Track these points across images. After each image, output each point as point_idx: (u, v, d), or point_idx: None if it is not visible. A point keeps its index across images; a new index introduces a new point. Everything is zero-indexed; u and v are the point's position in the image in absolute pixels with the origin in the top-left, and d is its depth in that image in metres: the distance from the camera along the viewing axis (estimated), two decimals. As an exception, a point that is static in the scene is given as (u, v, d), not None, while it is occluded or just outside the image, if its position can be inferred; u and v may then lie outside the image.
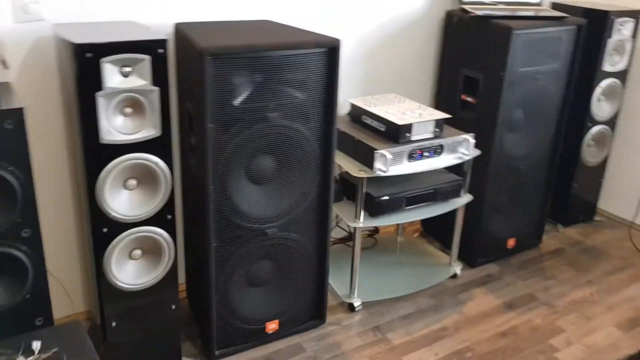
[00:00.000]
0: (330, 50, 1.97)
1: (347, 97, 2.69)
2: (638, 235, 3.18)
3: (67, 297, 2.28)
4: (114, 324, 1.97)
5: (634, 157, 3.19)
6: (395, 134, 2.28)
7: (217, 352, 2.16)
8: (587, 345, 2.31)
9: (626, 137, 3.21)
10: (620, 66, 2.93)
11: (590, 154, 3.09)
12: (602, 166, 3.19)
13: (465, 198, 2.55)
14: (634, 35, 2.91)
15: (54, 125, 2.08)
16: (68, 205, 2.19)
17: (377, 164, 2.22)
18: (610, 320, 2.48)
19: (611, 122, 3.06)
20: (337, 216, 2.81)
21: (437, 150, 2.35)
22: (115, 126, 1.76)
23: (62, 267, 2.24)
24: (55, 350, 1.63)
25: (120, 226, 1.86)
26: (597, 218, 3.36)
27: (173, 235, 1.96)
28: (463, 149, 2.42)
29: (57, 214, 2.18)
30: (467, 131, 2.56)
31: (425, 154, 2.33)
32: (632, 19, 2.87)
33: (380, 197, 2.31)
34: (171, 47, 2.20)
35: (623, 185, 3.27)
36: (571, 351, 2.28)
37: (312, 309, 2.34)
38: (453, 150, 2.40)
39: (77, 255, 2.26)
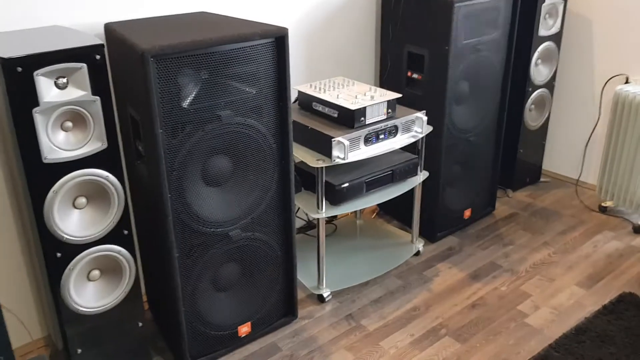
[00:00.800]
0: (278, 39, 1.89)
1: (294, 83, 2.61)
2: (584, 192, 3.29)
3: (22, 326, 2.12)
4: (79, 351, 1.85)
5: (573, 117, 3.28)
6: (349, 119, 2.23)
7: (190, 364, 2.08)
8: (554, 307, 2.37)
9: (564, 98, 3.29)
10: (554, 30, 2.99)
11: (532, 118, 3.15)
12: (543, 128, 3.27)
13: (422, 175, 2.54)
14: (564, -2, 2.97)
15: (-15, 146, 1.91)
16: (11, 230, 2.03)
17: (335, 152, 2.17)
18: (572, 279, 2.55)
19: (549, 85, 3.13)
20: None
21: (392, 132, 2.33)
22: (57, 143, 1.63)
23: (12, 296, 2.08)
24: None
25: (75, 248, 1.74)
26: (543, 179, 3.45)
27: (132, 251, 1.85)
28: (417, 127, 2.40)
29: (1, 241, 2.01)
30: (415, 108, 2.54)
31: (381, 136, 2.29)
32: (561, -18, 2.92)
33: (340, 185, 2.27)
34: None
35: (565, 145, 3.36)
36: (540, 314, 2.33)
37: (283, 306, 2.28)
38: (407, 129, 2.38)
39: (27, 281, 2.10)
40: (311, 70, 2.68)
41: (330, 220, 2.97)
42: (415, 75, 2.63)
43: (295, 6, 2.54)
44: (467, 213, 2.92)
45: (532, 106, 3.12)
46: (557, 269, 2.62)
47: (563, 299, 2.43)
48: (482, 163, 2.88)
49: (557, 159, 3.43)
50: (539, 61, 3.02)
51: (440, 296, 2.46)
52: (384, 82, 2.82)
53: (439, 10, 2.42)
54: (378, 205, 3.10)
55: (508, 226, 2.98)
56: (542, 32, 2.93)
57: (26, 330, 2.13)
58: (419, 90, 2.62)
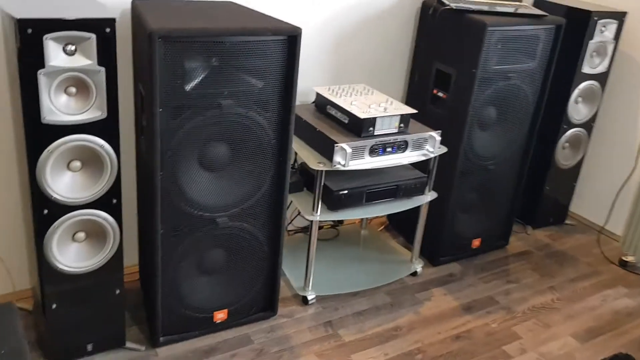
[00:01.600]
0: (290, 38, 1.90)
1: (316, 84, 2.62)
2: (608, 242, 3.14)
3: (9, 275, 2.23)
4: (54, 305, 1.92)
5: (609, 162, 3.14)
6: (357, 127, 2.22)
7: (161, 339, 2.12)
8: (542, 354, 2.28)
9: (602, 141, 3.15)
10: (600, 68, 2.86)
11: (564, 156, 3.03)
12: (576, 169, 3.14)
13: (429, 196, 2.50)
14: (616, 38, 2.84)
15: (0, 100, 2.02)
16: (14, 183, 2.13)
17: (337, 158, 2.17)
18: (569, 329, 2.45)
19: (587, 125, 3.00)
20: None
21: (401, 146, 2.30)
22: (58, 106, 1.70)
23: (5, 245, 2.19)
24: (-20, 332, 1.59)
25: (63, 208, 1.81)
26: (568, 221, 3.31)
27: (119, 220, 1.91)
28: (429, 146, 2.36)
29: (1, 191, 2.12)
30: (437, 127, 2.49)
31: (388, 149, 2.27)
32: (615, 21, 2.79)
33: (339, 191, 2.26)
34: (128, 26, 2.13)
35: (596, 189, 3.22)
36: (525, 359, 2.25)
37: (264, 300, 2.30)
38: (418, 146, 2.34)
39: (22, 234, 2.21)
40: (338, 74, 2.68)
41: (334, 225, 2.96)
42: (440, 94, 2.58)
43: (333, 7, 2.54)
44: (476, 242, 2.84)
45: (566, 144, 3.00)
46: (557, 316, 2.52)
47: (554, 347, 2.33)
48: (499, 194, 2.80)
49: (586, 202, 3.29)
50: (580, 99, 2.90)
51: (426, 321, 2.41)
52: (410, 95, 2.78)
53: (472, 31, 2.37)
54: (388, 219, 3.07)
55: (518, 263, 2.88)
56: (586, 69, 2.81)
57: (10, 278, 2.24)
58: (443, 109, 2.57)
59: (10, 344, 1.54)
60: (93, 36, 1.67)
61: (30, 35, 1.59)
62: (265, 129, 1.99)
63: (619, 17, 2.79)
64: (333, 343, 2.24)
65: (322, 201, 2.28)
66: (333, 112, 2.34)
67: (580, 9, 2.74)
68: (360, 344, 2.25)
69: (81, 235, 1.89)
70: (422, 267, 2.71)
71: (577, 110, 2.92)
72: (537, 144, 2.84)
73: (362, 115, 2.18)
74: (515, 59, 2.48)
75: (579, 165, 3.13)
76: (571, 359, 2.28)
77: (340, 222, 2.97)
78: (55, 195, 1.78)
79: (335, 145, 2.15)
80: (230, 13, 2.03)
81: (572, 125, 2.95)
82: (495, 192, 2.78)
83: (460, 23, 2.43)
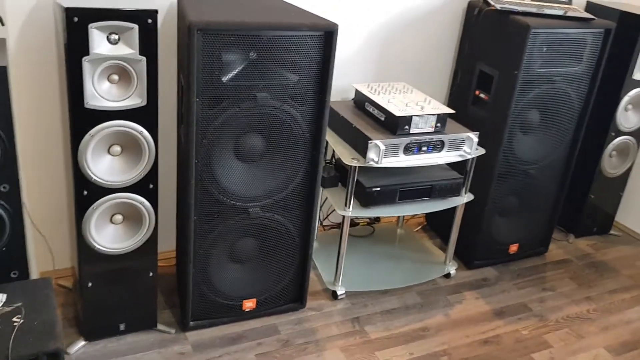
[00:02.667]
0: (327, 34, 1.92)
1: (358, 81, 2.63)
2: (654, 255, 3.04)
3: (50, 253, 2.34)
4: (90, 284, 2.01)
5: (660, 173, 3.02)
6: (393, 125, 2.22)
7: (191, 323, 2.19)
8: (570, 364, 2.24)
9: (654, 151, 3.04)
10: (653, 75, 2.77)
11: (611, 165, 2.94)
12: (623, 178, 3.03)
13: (466, 197, 2.47)
14: (671, 44, 2.73)
15: (50, 84, 2.12)
16: (60, 165, 2.24)
17: (370, 154, 2.17)
18: (602, 341, 2.38)
19: (637, 134, 2.90)
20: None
21: (437, 146, 2.28)
22: (100, 92, 1.78)
23: (49, 224, 2.30)
24: (18, 304, 1.68)
25: (102, 190, 1.89)
26: (613, 232, 3.20)
27: (155, 204, 1.98)
28: (466, 147, 2.34)
29: (48, 172, 2.23)
30: (478, 128, 2.47)
31: (424, 148, 2.26)
32: (672, 26, 2.68)
33: (371, 188, 2.27)
34: (174, 19, 2.20)
35: (645, 201, 3.11)
36: (552, 367, 2.21)
37: (293, 293, 2.33)
38: (455, 147, 2.32)
39: (65, 214, 2.31)
40: (381, 72, 2.68)
41: (371, 222, 2.96)
42: (482, 95, 2.55)
43: (383, 7, 2.55)
44: (514, 248, 2.79)
45: (614, 152, 2.91)
46: (591, 327, 2.45)
47: (584, 358, 2.27)
48: (540, 200, 2.74)
49: (634, 213, 3.17)
50: (630, 106, 2.80)
51: (455, 323, 2.39)
52: (452, 96, 2.76)
53: (515, 32, 2.33)
54: (426, 219, 3.05)
55: (556, 272, 2.82)
56: (637, 76, 2.71)
57: (52, 257, 2.35)
58: (485, 111, 2.54)
59: (43, 316, 1.63)
60: (136, 26, 1.73)
61: (77, 24, 1.67)
62: (299, 122, 2.02)
63: (675, 21, 2.69)
64: (359, 339, 2.25)
65: (354, 197, 2.30)
66: (370, 109, 2.35)
67: (632, 14, 2.65)
68: (386, 342, 2.25)
69: (119, 217, 1.97)
70: (456, 269, 2.68)
71: (627, 117, 2.83)
72: (583, 151, 2.76)
73: (398, 113, 2.18)
74: (560, 62, 2.43)
75: (626, 174, 3.02)
76: (604, 372, 2.22)
77: (377, 219, 2.98)
78: (95, 178, 1.86)
79: (370, 141, 2.15)
80: (271, 8, 2.06)
81: (620, 133, 2.85)
82: (536, 198, 2.72)
83: (505, 24, 2.39)
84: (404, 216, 2.95)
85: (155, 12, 1.74)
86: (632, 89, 2.75)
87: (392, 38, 2.63)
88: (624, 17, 2.66)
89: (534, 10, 2.42)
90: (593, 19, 2.42)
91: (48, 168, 2.22)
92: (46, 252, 2.33)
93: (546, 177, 2.69)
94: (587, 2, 2.86)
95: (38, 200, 2.25)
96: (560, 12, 2.45)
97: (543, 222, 2.82)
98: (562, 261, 2.91)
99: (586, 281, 2.76)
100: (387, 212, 2.32)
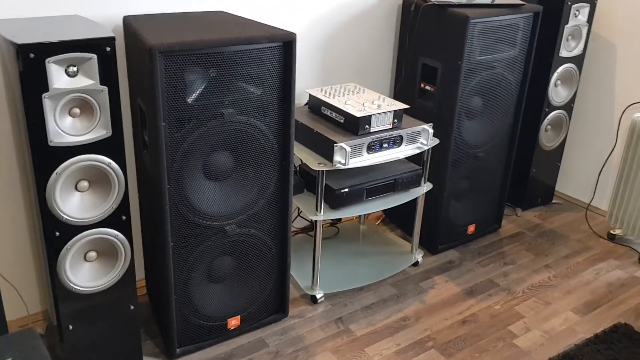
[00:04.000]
0: (286, 44, 1.94)
1: (306, 86, 2.66)
2: (595, 217, 3.26)
3: (20, 299, 2.22)
4: (70, 327, 1.92)
5: (590, 141, 3.25)
6: (354, 126, 2.26)
7: (178, 350, 2.14)
8: (545, 331, 2.37)
9: (582, 121, 3.26)
10: (576, 51, 2.97)
11: (547, 139, 3.13)
12: (559, 150, 3.24)
13: (425, 187, 2.56)
14: (589, 21, 2.94)
15: (1, 125, 2.00)
16: (19, 207, 2.12)
17: (337, 157, 2.21)
18: (568, 304, 2.54)
19: (567, 107, 3.11)
20: (297, 207, 2.80)
21: (397, 141, 2.35)
22: (63, 127, 1.70)
23: (14, 269, 2.18)
24: (9, 359, 1.59)
25: (73, 229, 1.81)
26: (555, 201, 3.42)
27: (129, 236, 1.92)
28: (422, 139, 2.42)
29: (7, 216, 2.11)
30: (426, 119, 2.56)
31: (385, 145, 2.32)
32: (587, 4, 2.89)
33: (340, 190, 2.31)
34: (121, 42, 2.13)
35: (580, 168, 3.33)
36: (530, 337, 2.33)
37: (274, 303, 2.33)
38: (412, 140, 2.40)
39: (30, 256, 2.20)
40: (327, 75, 2.72)
41: (333, 222, 3.00)
42: (428, 87, 2.64)
43: (316, 8, 2.58)
44: (471, 228, 2.92)
45: (549, 127, 3.10)
46: (555, 293, 2.61)
47: (556, 323, 2.42)
48: (490, 180, 2.88)
49: (571, 181, 3.40)
50: (559, 82, 3.00)
51: (432, 309, 2.48)
52: (398, 91, 2.84)
53: (454, 24, 2.43)
54: (384, 212, 3.13)
55: (512, 245, 2.97)
56: (564, 53, 2.91)
57: (24, 303, 2.23)
58: (431, 102, 2.64)
59: (42, 368, 1.55)
60: (94, 56, 1.67)
61: (33, 60, 1.60)
62: (266, 134, 2.02)
63: (591, 0, 2.89)
64: (346, 338, 2.29)
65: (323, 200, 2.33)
66: (328, 112, 2.38)
67: (551, -5, 2.84)
68: (372, 337, 2.30)
69: (93, 254, 1.90)
70: (422, 256, 2.77)
71: (557, 93, 3.02)
72: (521, 128, 2.92)
73: (358, 114, 2.23)
74: (497, 48, 2.56)
75: (561, 146, 3.23)
76: (573, 333, 2.37)
77: (339, 219, 3.02)
78: (66, 217, 1.78)
79: (335, 145, 2.19)
80: (223, 23, 2.05)
81: (553, 108, 3.04)
82: (486, 178, 2.86)
83: (443, 17, 2.49)
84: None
85: (113, 39, 1.69)
86: (559, 66, 2.94)
87: (332, 41, 2.68)
88: (545, 0, 2.84)
89: (466, 1, 2.53)
90: (523, 5, 2.56)
91: (7, 211, 2.10)
92: (16, 300, 2.21)
93: (493, 157, 2.83)
94: (508, -12, 3.03)
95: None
96: (489, 1, 2.58)
97: (494, 200, 2.97)
98: (516, 234, 3.07)
99: (541, 250, 2.93)
100: (356, 211, 2.37)
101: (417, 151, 2.40)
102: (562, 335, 2.34)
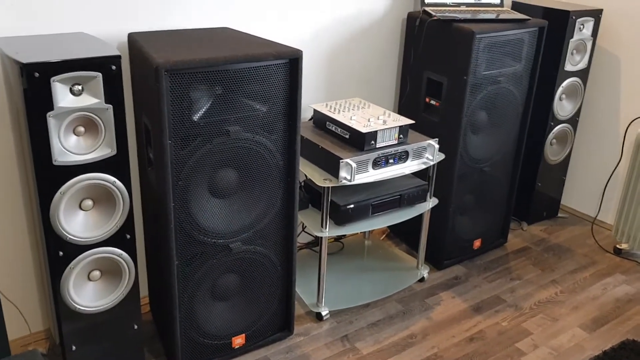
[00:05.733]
0: (292, 61, 1.92)
1: (310, 101, 2.65)
2: (601, 231, 3.23)
3: (22, 318, 2.19)
4: (74, 347, 1.90)
5: (595, 155, 3.23)
6: (359, 141, 2.24)
7: (182, 370, 2.12)
8: (554, 348, 2.34)
9: (587, 135, 3.25)
10: (580, 65, 2.96)
11: (552, 152, 3.11)
12: (564, 163, 3.23)
13: (431, 202, 2.54)
14: (594, 34, 2.93)
15: (4, 143, 1.99)
16: (22, 226, 2.10)
17: (343, 173, 2.19)
18: (575, 320, 2.51)
19: (572, 121, 3.09)
20: (302, 222, 2.78)
21: (402, 157, 2.33)
22: (68, 146, 1.69)
23: (17, 288, 2.15)
24: (11, 383, 1.57)
25: (77, 248, 1.80)
26: (560, 215, 3.40)
27: (133, 255, 1.90)
28: (428, 154, 2.41)
29: (10, 234, 2.09)
30: (431, 134, 2.55)
31: (390, 160, 2.30)
32: (592, 18, 2.88)
33: (345, 206, 2.29)
34: (125, 59, 2.12)
35: (585, 181, 3.31)
36: (538, 354, 2.30)
37: (279, 321, 2.31)
38: (418, 155, 2.38)
39: (33, 275, 2.17)
40: (332, 89, 2.71)
41: (338, 238, 2.98)
42: (433, 102, 2.63)
43: (320, 23, 2.57)
44: (477, 243, 2.90)
45: (554, 141, 3.09)
46: (562, 309, 2.58)
47: (564, 340, 2.39)
48: (496, 194, 2.86)
49: (577, 195, 3.38)
50: (564, 96, 2.99)
51: (439, 326, 2.45)
52: (403, 105, 2.83)
53: (460, 39, 2.42)
54: (388, 227, 3.11)
55: (518, 260, 2.95)
56: (568, 67, 2.90)
57: (26, 322, 2.20)
58: (436, 116, 2.62)
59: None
60: (99, 75, 1.66)
61: (38, 79, 1.58)
62: (272, 151, 2.00)
63: (596, 14, 2.89)
64: (352, 357, 2.26)
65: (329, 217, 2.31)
66: (333, 128, 2.37)
67: (558, 10, 2.83)
68: (379, 354, 2.28)
69: (96, 273, 1.88)
70: (428, 272, 2.75)
71: (562, 106, 3.01)
72: (527, 143, 2.91)
73: (363, 130, 2.21)
74: (502, 63, 2.55)
75: (567, 159, 3.22)
76: (582, 350, 2.34)
77: (343, 235, 3.00)
78: (70, 237, 1.76)
79: (341, 161, 2.17)
80: (228, 40, 2.04)
81: (558, 122, 3.03)
82: (492, 193, 2.84)
83: (448, 32, 2.48)
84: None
85: (119, 57, 1.68)
86: (564, 80, 2.93)
87: (336, 55, 2.66)
88: (550, 14, 2.83)
89: (470, 16, 2.52)
90: (528, 19, 2.56)
91: (9, 228, 2.08)
92: (18, 319, 2.18)
93: (499, 171, 2.81)
94: (512, 2, 3.02)
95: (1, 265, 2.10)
96: (494, 16, 2.57)
97: (500, 215, 2.95)
98: (522, 249, 3.05)
99: (547, 265, 2.91)
100: (361, 227, 2.35)
101: (423, 167, 2.38)
102: (570, 353, 2.32)
